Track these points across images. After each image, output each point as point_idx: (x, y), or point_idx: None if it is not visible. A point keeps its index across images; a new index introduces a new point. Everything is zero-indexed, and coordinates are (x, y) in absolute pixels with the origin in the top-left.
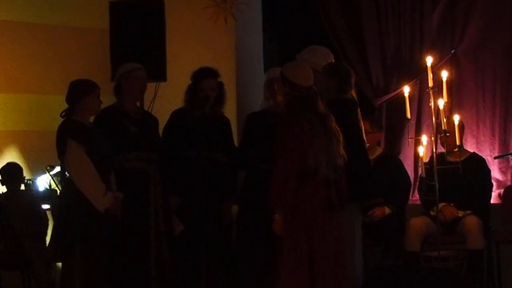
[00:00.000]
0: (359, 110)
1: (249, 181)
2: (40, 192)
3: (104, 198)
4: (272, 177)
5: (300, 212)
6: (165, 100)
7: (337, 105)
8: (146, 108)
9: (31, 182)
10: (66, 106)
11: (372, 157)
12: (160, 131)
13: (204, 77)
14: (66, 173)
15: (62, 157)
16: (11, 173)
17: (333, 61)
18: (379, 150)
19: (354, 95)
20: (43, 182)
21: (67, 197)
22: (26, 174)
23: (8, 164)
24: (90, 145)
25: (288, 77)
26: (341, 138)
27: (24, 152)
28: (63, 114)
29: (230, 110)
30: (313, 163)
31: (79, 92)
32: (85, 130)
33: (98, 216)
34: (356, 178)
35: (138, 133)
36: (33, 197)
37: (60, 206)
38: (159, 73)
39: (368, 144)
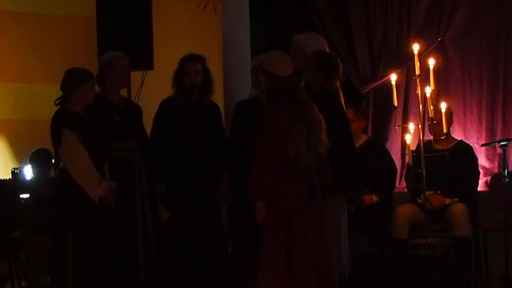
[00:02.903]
0: (342, 99)
1: (237, 171)
2: (27, 180)
3: (98, 188)
4: (250, 166)
5: (278, 200)
6: (152, 88)
7: (323, 95)
8: (133, 97)
9: (18, 171)
10: (53, 94)
11: (357, 145)
12: (148, 120)
13: (188, 60)
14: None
15: (56, 147)
16: (40, 159)
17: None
18: (364, 138)
19: (338, 84)
20: (30, 171)
21: (61, 186)
22: (13, 163)
23: (37, 150)
24: (84, 134)
25: (265, 67)
26: (323, 126)
27: (11, 141)
28: (57, 102)
29: (217, 98)
30: (292, 151)
31: (74, 81)
32: (79, 120)
33: (92, 204)
34: (341, 169)
35: (122, 122)
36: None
37: (53, 195)
38: (146, 62)
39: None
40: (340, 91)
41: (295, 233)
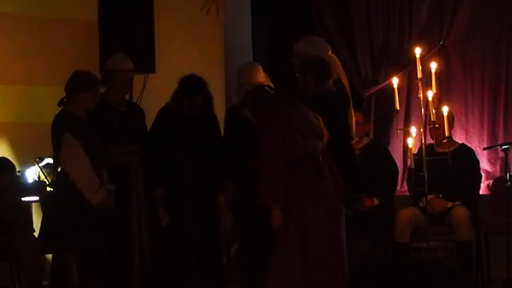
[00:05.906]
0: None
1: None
2: (29, 184)
3: (97, 193)
4: (258, 174)
5: (294, 202)
6: (153, 91)
7: (318, 100)
8: (135, 100)
9: (20, 174)
10: (55, 97)
11: (359, 146)
12: (149, 124)
13: (192, 94)
14: (59, 166)
15: (57, 151)
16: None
17: (330, 51)
18: (366, 140)
19: (347, 85)
20: (32, 174)
21: (61, 191)
22: (15, 166)
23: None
24: (85, 139)
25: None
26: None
27: (13, 144)
28: (61, 103)
29: (218, 100)
30: (301, 140)
31: (77, 86)
32: (80, 124)
33: (93, 208)
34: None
35: (120, 127)
36: (18, 189)
37: (53, 199)
38: (147, 65)
39: (357, 137)
40: (345, 93)
41: (311, 233)
